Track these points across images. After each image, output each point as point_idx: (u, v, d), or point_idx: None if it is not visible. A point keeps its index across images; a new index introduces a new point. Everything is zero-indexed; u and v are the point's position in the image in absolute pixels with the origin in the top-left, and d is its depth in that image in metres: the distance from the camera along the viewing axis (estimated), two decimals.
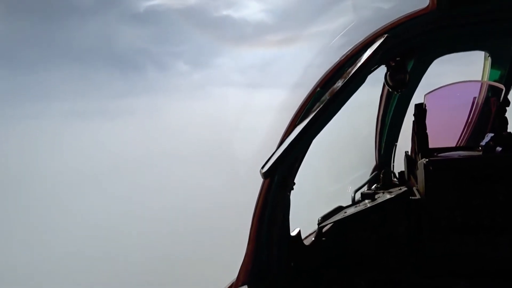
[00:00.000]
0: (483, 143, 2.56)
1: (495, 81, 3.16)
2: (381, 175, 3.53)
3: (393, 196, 2.71)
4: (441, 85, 3.08)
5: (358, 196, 3.28)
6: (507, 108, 2.83)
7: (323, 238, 2.66)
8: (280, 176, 2.18)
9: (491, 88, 3.12)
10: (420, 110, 2.80)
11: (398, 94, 3.40)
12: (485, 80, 3.23)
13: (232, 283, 2.25)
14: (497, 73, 3.16)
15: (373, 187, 3.60)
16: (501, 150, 2.47)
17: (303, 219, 2.82)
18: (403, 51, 2.55)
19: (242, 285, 2.18)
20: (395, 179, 3.57)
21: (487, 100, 3.12)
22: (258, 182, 2.15)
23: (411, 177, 2.93)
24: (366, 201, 2.85)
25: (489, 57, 3.10)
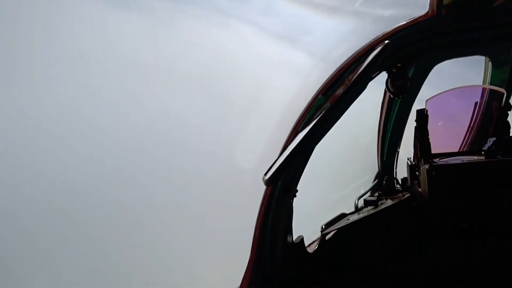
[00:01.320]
0: (485, 147, 2.56)
1: (496, 85, 3.16)
2: (384, 182, 3.52)
3: (396, 202, 2.70)
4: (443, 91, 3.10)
5: (361, 203, 3.27)
6: (508, 112, 2.83)
7: (327, 246, 2.65)
8: (282, 183, 2.18)
9: (492, 93, 3.12)
10: (422, 115, 2.80)
11: (399, 100, 3.41)
12: (486, 84, 3.23)
13: None
14: (498, 78, 3.17)
15: (376, 193, 3.60)
16: (504, 154, 2.46)
17: (306, 226, 2.82)
18: (404, 57, 2.57)
19: None
20: (398, 185, 3.57)
21: (488, 104, 3.12)
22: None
23: (414, 182, 2.92)
24: (369, 207, 2.84)
25: (490, 62, 3.11)
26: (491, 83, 3.20)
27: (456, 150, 3.21)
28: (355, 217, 2.78)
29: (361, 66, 2.08)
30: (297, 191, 2.32)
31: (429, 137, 2.78)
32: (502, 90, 3.02)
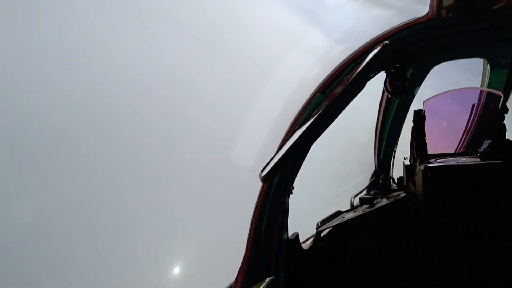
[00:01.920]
0: (481, 150, 2.58)
1: (494, 88, 3.18)
2: (380, 180, 3.54)
3: (391, 201, 2.72)
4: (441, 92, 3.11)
5: (357, 201, 3.29)
6: (505, 115, 2.85)
7: (322, 243, 2.68)
8: (279, 180, 2.20)
9: (489, 95, 3.14)
10: (419, 116, 2.82)
11: (397, 100, 3.43)
12: (484, 87, 3.25)
13: (230, 286, 2.26)
14: (496, 80, 3.18)
15: (372, 192, 3.61)
16: (499, 157, 2.48)
17: (302, 223, 2.83)
18: (403, 57, 2.58)
19: None
20: (394, 185, 3.59)
21: (486, 107, 3.14)
22: None
23: (410, 182, 2.94)
24: (365, 206, 2.87)
25: (488, 64, 3.12)
26: (489, 86, 3.21)
27: (452, 151, 3.23)
28: (350, 215, 2.79)
29: (360, 66, 2.09)
30: (293, 188, 2.34)
31: (425, 137, 2.80)
32: (500, 93, 3.04)
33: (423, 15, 2.29)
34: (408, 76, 2.90)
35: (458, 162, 2.60)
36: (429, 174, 2.46)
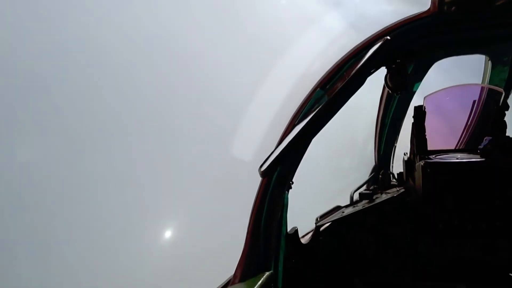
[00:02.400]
0: (481, 146, 2.58)
1: (495, 85, 3.17)
2: (380, 176, 3.55)
3: (390, 197, 2.73)
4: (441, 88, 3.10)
5: (356, 196, 3.31)
6: (506, 112, 2.84)
7: (321, 237, 2.69)
8: (278, 175, 2.20)
9: (490, 92, 3.14)
10: (420, 112, 2.81)
11: (398, 96, 3.42)
12: (485, 84, 3.24)
13: (229, 280, 2.27)
14: (497, 77, 3.17)
15: (372, 187, 3.62)
16: (499, 154, 2.48)
17: (301, 217, 2.84)
18: (404, 53, 2.57)
19: (239, 282, 2.20)
20: (393, 180, 3.59)
21: (486, 103, 3.14)
22: None
23: (410, 178, 2.95)
24: (364, 201, 2.87)
25: (490, 61, 3.11)
26: (490, 83, 3.21)
27: (452, 147, 3.23)
28: (350, 210, 2.80)
29: (361, 61, 2.08)
30: (292, 183, 2.34)
31: (425, 133, 2.80)
32: (501, 89, 3.03)
33: (425, 10, 2.28)
34: (408, 72, 2.89)
35: (458, 158, 2.60)
36: (428, 170, 2.46)
